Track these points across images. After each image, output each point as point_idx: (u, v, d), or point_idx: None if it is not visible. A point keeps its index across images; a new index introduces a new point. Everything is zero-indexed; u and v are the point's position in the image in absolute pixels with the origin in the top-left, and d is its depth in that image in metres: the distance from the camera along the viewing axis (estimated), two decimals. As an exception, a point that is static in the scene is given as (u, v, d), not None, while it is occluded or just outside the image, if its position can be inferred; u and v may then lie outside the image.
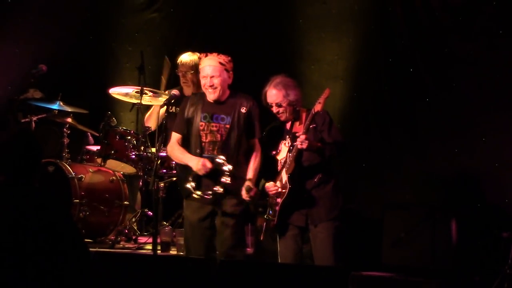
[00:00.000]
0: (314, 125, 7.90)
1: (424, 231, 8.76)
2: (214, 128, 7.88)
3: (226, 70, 8.01)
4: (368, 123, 9.80)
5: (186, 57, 9.65)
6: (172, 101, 9.27)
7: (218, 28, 10.83)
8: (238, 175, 7.78)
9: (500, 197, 9.24)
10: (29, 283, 5.02)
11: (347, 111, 9.94)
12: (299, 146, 7.66)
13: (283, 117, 8.01)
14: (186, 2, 11.21)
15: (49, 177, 9.16)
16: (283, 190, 7.88)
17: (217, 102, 7.94)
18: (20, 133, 5.87)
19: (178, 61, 9.71)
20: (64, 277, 5.16)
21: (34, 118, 9.41)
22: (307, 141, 7.59)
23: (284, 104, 7.93)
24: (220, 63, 7.98)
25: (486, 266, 8.63)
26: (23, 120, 9.42)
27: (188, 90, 9.57)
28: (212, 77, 7.91)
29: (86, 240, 8.52)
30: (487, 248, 8.74)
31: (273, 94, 7.94)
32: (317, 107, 7.67)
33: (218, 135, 7.87)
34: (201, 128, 7.89)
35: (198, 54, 9.64)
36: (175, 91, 9.33)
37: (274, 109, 7.96)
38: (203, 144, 7.86)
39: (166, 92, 9.51)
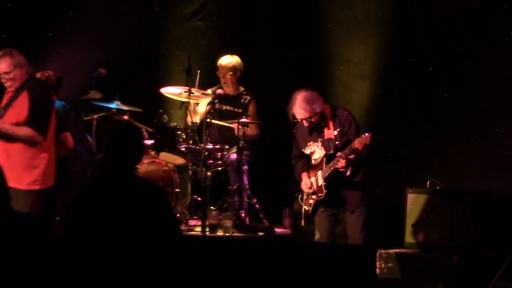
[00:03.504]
0: (340, 128, 8.00)
1: (443, 213, 8.71)
2: None
3: None
4: (392, 116, 9.78)
5: (225, 60, 9.73)
6: (217, 100, 9.38)
7: (257, 33, 10.83)
8: None
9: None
10: (132, 260, 5.09)
11: (373, 106, 9.94)
12: (340, 169, 7.86)
13: (315, 126, 8.12)
14: (227, 12, 11.21)
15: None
16: (319, 194, 7.98)
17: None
18: (126, 125, 5.96)
19: (218, 64, 9.78)
20: (160, 254, 5.20)
21: (95, 116, 9.49)
22: (345, 167, 7.85)
23: (313, 118, 7.99)
24: None
25: (500, 244, 8.60)
26: (85, 118, 9.46)
27: (227, 89, 9.68)
28: None
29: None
30: (501, 227, 8.74)
31: (302, 113, 8.02)
32: (356, 144, 7.72)
33: None
34: None
35: (237, 57, 9.73)
36: (220, 91, 9.45)
37: (305, 123, 8.08)
38: None
39: (211, 91, 9.57)
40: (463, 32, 9.66)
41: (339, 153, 7.87)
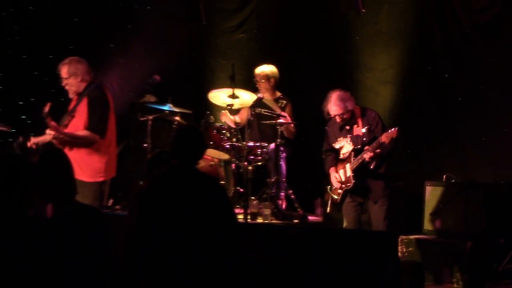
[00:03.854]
0: (368, 127, 8.00)
1: (458, 203, 8.72)
2: None
3: None
4: (412, 117, 9.76)
5: (260, 69, 9.77)
6: (257, 104, 9.41)
7: (292, 45, 10.85)
8: None
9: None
10: (198, 245, 5.09)
11: (395, 109, 9.92)
12: (367, 159, 7.80)
13: (346, 122, 8.12)
14: (266, 26, 11.23)
15: (163, 163, 9.24)
16: (348, 184, 7.99)
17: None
18: (189, 127, 5.99)
19: (254, 72, 9.81)
20: (221, 240, 5.22)
21: (150, 117, 9.48)
22: (371, 159, 7.83)
23: (345, 115, 7.99)
24: None
25: (509, 231, 8.59)
26: (141, 119, 9.49)
27: (265, 94, 9.65)
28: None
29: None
30: (510, 216, 8.70)
31: (335, 109, 8.03)
32: (384, 139, 7.73)
33: None
34: None
35: (272, 66, 9.73)
36: (260, 95, 9.43)
37: (338, 119, 8.06)
38: None
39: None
40: (475, 43, 9.65)
41: (367, 147, 7.90)
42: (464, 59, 9.76)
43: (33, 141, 8.04)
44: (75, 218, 4.84)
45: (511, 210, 8.76)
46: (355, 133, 8.09)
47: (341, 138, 8.18)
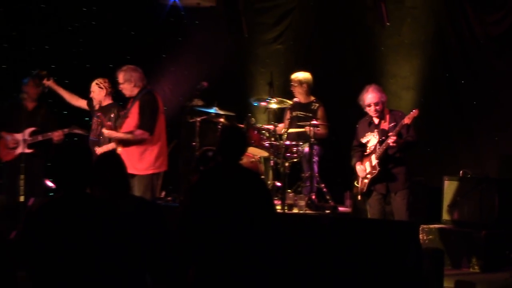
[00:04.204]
0: (394, 123, 7.90)
1: (473, 196, 8.70)
2: None
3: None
4: (432, 119, 9.66)
5: (295, 75, 9.75)
6: (293, 107, 9.42)
7: (324, 54, 10.84)
8: None
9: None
10: (244, 232, 5.12)
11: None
12: (391, 144, 7.68)
13: (377, 115, 7.95)
14: (301, 38, 11.20)
15: (209, 159, 9.27)
16: (373, 171, 7.89)
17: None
18: (232, 127, 6.02)
19: (290, 78, 9.81)
20: (261, 229, 5.21)
21: (198, 119, 9.49)
22: (396, 143, 7.64)
23: (379, 104, 7.90)
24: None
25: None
26: (190, 120, 9.50)
27: (300, 99, 9.65)
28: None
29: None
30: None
31: (372, 96, 7.88)
32: (406, 120, 7.65)
33: None
34: None
35: (306, 73, 9.70)
36: (296, 100, 9.44)
37: (373, 108, 7.91)
38: None
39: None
40: (488, 53, 9.61)
41: (390, 133, 7.80)
42: (478, 66, 9.71)
43: (98, 150, 8.19)
44: (131, 209, 4.86)
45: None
46: (381, 127, 7.99)
47: (369, 133, 8.09)
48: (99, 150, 8.19)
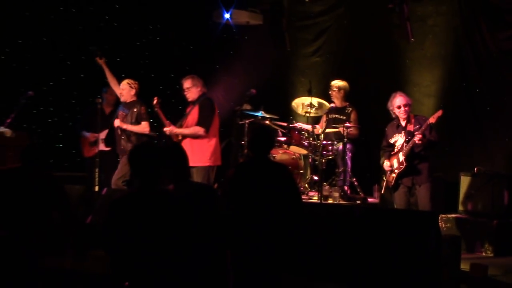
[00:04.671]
0: (419, 125, 7.82)
1: (486, 189, 8.59)
2: None
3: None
4: (450, 123, 9.45)
5: (334, 82, 9.81)
6: (330, 111, 9.38)
7: (356, 65, 10.77)
8: None
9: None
10: (271, 216, 5.17)
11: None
12: (417, 142, 7.60)
13: (406, 115, 7.88)
14: (336, 52, 11.14)
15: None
16: (401, 166, 7.79)
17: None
18: (260, 127, 6.07)
19: (330, 84, 9.77)
20: (288, 214, 5.26)
21: (247, 121, 9.51)
22: (421, 140, 7.55)
23: (408, 106, 7.84)
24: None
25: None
26: (240, 122, 9.51)
27: (337, 103, 9.68)
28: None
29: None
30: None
31: (402, 99, 7.85)
32: (431, 120, 7.57)
33: None
34: None
35: (344, 81, 9.64)
36: (333, 104, 9.41)
37: (402, 109, 7.85)
38: None
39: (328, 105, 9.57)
40: (499, 65, 9.46)
41: (416, 132, 7.69)
42: (490, 77, 9.55)
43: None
44: (191, 193, 4.94)
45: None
46: (408, 129, 7.91)
47: (396, 134, 8.01)
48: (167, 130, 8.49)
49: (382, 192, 8.35)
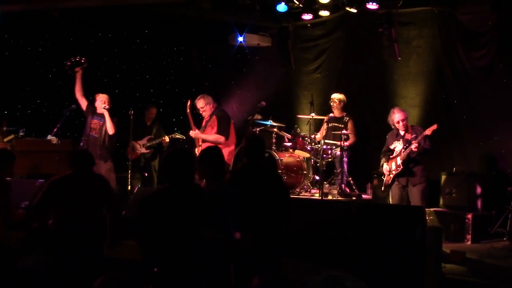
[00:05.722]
0: (415, 134, 7.93)
1: (463, 187, 8.66)
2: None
3: None
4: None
5: (334, 95, 9.72)
6: (329, 120, 9.43)
7: (351, 81, 10.80)
8: None
9: (507, 168, 9.06)
10: (265, 211, 5.23)
11: (421, 124, 9.50)
12: (413, 149, 7.75)
13: (404, 128, 7.99)
14: (334, 69, 11.14)
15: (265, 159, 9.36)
16: (398, 168, 7.89)
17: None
18: (252, 136, 6.08)
19: (330, 96, 9.79)
20: (279, 210, 5.34)
21: (258, 129, 9.62)
22: (417, 148, 7.71)
23: (405, 121, 7.96)
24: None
25: (498, 206, 8.46)
26: (252, 130, 9.59)
27: (335, 113, 9.66)
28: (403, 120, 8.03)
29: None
30: (499, 196, 8.55)
31: (400, 115, 8.00)
32: (427, 132, 7.69)
33: None
34: None
35: (342, 94, 9.68)
36: (331, 114, 9.48)
37: (401, 124, 7.98)
38: None
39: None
40: (475, 80, 9.50)
41: (413, 141, 7.80)
42: (467, 90, 9.60)
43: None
44: (220, 191, 4.91)
45: (500, 192, 8.59)
46: (406, 138, 8.01)
47: (396, 141, 8.12)
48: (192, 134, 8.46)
49: (383, 189, 8.42)
